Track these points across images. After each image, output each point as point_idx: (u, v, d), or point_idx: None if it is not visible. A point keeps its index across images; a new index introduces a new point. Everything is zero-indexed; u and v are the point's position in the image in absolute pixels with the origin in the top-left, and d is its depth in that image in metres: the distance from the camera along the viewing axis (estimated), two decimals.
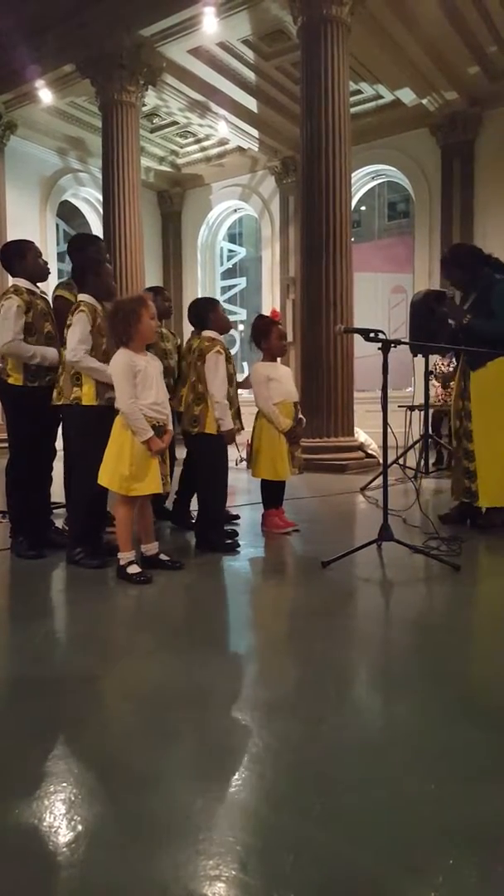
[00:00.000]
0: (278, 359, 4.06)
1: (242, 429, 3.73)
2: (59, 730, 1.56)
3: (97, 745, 1.48)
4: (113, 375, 2.88)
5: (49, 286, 3.72)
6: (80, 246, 3.64)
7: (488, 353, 3.67)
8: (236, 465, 7.26)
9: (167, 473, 2.99)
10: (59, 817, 1.19)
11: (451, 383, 6.25)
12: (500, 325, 3.67)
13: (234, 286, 14.62)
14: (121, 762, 1.40)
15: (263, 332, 3.97)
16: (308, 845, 1.10)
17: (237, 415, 3.62)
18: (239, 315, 14.04)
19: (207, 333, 3.57)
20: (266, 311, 4.35)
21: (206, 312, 3.63)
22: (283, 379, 3.94)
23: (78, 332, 3.04)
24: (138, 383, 2.86)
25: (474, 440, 3.79)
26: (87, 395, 3.07)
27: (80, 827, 1.16)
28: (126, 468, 2.81)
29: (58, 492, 3.70)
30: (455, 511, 4.13)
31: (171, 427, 3.04)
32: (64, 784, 1.31)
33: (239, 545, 3.53)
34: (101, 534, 3.41)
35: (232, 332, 9.81)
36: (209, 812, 1.19)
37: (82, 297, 3.17)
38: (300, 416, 3.99)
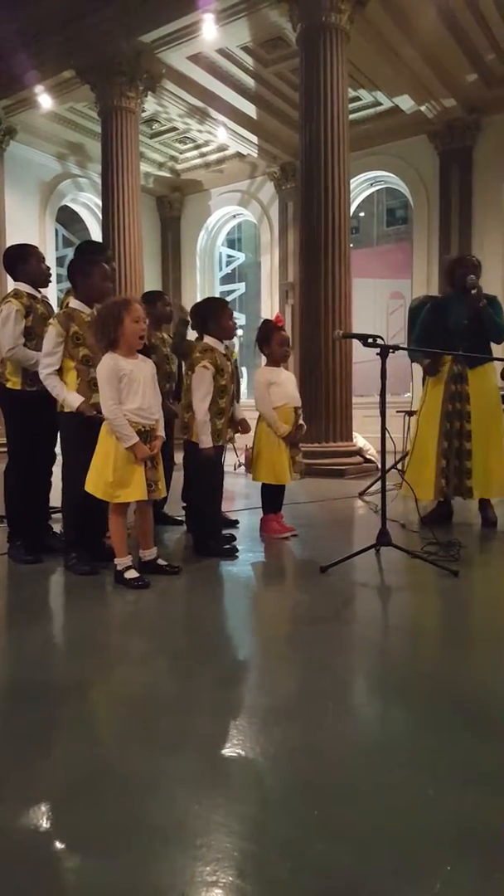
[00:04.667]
0: (281, 364, 4.06)
1: (233, 439, 3.73)
2: (55, 735, 1.56)
3: (94, 750, 1.48)
4: (98, 380, 2.86)
5: (51, 291, 3.72)
6: (80, 251, 3.65)
7: (488, 353, 3.92)
8: (234, 469, 7.27)
9: (160, 479, 2.96)
10: (55, 823, 1.19)
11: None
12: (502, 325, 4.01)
13: (233, 291, 14.64)
14: (118, 768, 1.39)
15: (265, 338, 3.99)
16: (306, 852, 1.09)
17: (230, 423, 3.61)
18: (238, 320, 14.06)
19: (206, 341, 3.55)
20: (266, 317, 4.36)
21: (207, 318, 3.58)
22: (285, 383, 3.95)
23: (45, 346, 3.06)
24: (123, 388, 2.82)
25: (473, 440, 4.00)
26: None
27: (76, 833, 1.16)
28: (110, 474, 2.78)
29: (58, 496, 3.70)
30: (435, 512, 4.25)
31: (161, 433, 2.98)
32: (60, 790, 1.30)
33: (237, 550, 3.53)
34: (103, 539, 3.41)
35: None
36: (206, 818, 1.19)
37: (72, 303, 3.17)
38: (301, 422, 3.99)
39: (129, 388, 2.83)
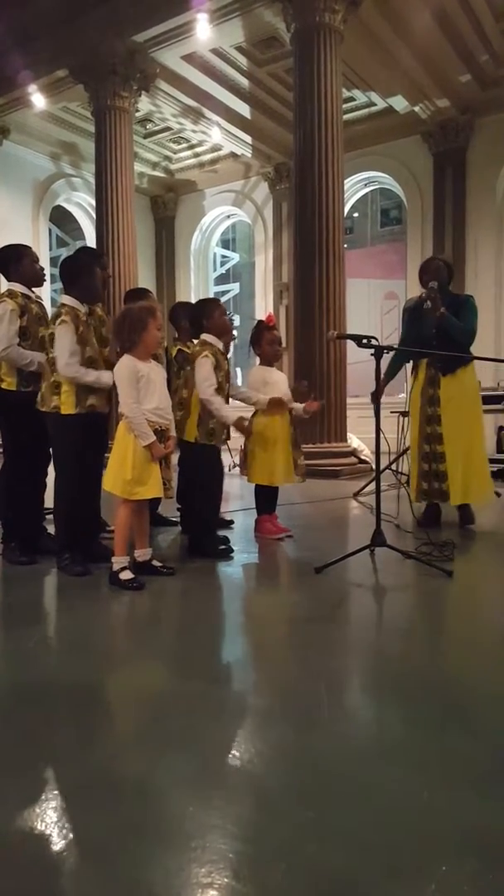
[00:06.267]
0: (274, 364, 4.07)
1: (229, 438, 3.71)
2: (50, 737, 1.55)
3: (89, 752, 1.47)
4: (117, 381, 2.91)
5: (44, 291, 3.72)
6: (80, 254, 3.64)
7: (459, 358, 3.88)
8: (229, 470, 7.26)
9: (170, 478, 3.01)
10: (50, 825, 1.18)
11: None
12: (467, 329, 3.96)
13: (228, 292, 14.64)
14: (112, 769, 1.39)
15: (255, 338, 4.00)
16: (300, 853, 1.09)
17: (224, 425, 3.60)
18: (233, 320, 14.05)
19: (204, 337, 3.56)
20: (260, 317, 4.37)
21: (200, 317, 3.60)
22: (278, 383, 3.96)
23: (67, 344, 3.02)
24: (141, 388, 2.90)
25: (445, 443, 3.99)
26: (65, 403, 3.06)
27: (71, 835, 1.15)
28: (129, 472, 2.85)
29: (51, 497, 3.69)
30: (426, 515, 4.25)
31: (174, 433, 3.08)
32: (55, 792, 1.30)
33: (232, 551, 3.53)
34: (97, 540, 3.40)
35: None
36: (201, 819, 1.19)
37: (66, 299, 3.16)
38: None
39: (146, 388, 2.91)
